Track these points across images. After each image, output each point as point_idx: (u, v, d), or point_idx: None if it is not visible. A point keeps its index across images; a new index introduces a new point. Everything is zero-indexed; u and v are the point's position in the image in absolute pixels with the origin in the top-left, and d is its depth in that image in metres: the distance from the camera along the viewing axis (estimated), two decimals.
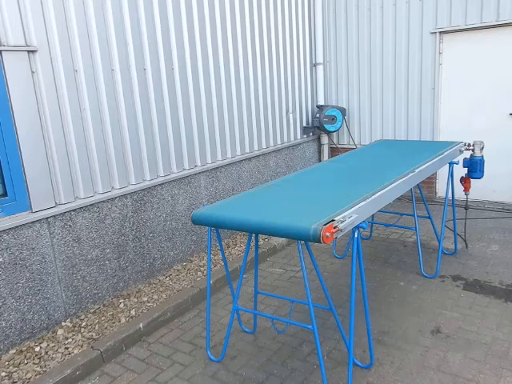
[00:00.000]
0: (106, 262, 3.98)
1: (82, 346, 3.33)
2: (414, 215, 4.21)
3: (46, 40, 3.39)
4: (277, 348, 3.31)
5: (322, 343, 3.31)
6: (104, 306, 3.94)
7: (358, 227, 2.58)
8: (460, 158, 5.96)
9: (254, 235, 3.20)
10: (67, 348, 3.32)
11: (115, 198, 3.99)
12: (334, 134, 7.17)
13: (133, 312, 3.78)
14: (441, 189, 6.48)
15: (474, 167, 4.49)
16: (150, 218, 4.35)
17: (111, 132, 3.94)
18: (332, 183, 3.26)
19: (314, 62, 6.90)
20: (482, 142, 4.47)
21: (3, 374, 3.06)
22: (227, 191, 5.34)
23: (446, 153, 4.09)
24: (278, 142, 6.20)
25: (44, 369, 3.10)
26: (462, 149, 4.46)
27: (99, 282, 3.94)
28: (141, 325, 3.52)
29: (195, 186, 4.86)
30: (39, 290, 3.49)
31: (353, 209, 2.58)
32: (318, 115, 6.68)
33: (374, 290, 4.06)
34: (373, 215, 5.30)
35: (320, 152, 7.23)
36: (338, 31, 6.79)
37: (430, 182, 6.42)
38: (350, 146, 7.03)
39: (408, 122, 6.49)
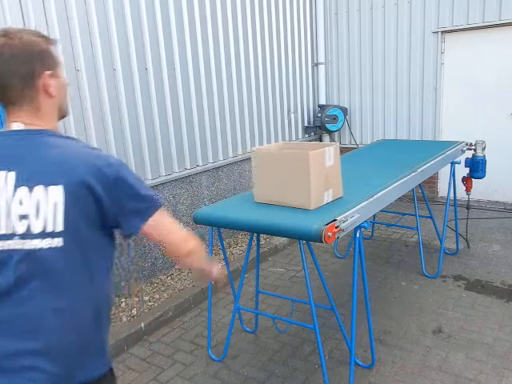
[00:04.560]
0: None
1: None
2: (415, 215, 4.20)
3: None
4: (278, 347, 3.31)
5: (324, 343, 3.31)
6: None
7: (359, 227, 2.57)
8: (462, 158, 5.94)
9: (255, 235, 3.20)
10: None
11: None
12: (336, 133, 7.16)
13: (134, 311, 3.78)
14: (442, 188, 6.47)
15: (476, 167, 4.48)
16: None
17: (113, 132, 3.93)
18: None
19: (315, 61, 6.89)
20: (484, 142, 4.45)
21: None
22: (229, 191, 5.33)
23: (447, 152, 4.08)
24: (280, 141, 6.19)
25: None
26: (464, 148, 4.45)
27: None
28: (142, 324, 3.52)
29: (197, 185, 4.85)
30: None
31: (355, 208, 2.57)
32: (319, 115, 6.67)
33: (376, 289, 4.06)
34: (374, 215, 5.28)
35: None
36: (339, 30, 6.78)
37: (432, 181, 6.40)
38: (351, 146, 7.01)
39: (410, 121, 6.47)
